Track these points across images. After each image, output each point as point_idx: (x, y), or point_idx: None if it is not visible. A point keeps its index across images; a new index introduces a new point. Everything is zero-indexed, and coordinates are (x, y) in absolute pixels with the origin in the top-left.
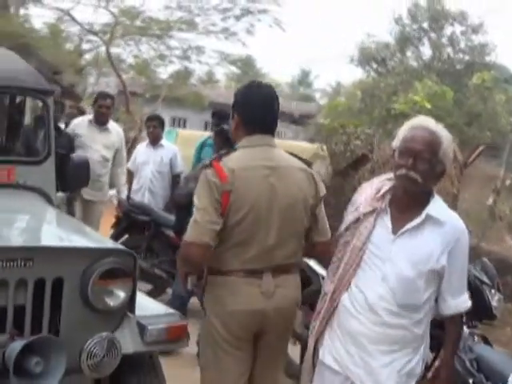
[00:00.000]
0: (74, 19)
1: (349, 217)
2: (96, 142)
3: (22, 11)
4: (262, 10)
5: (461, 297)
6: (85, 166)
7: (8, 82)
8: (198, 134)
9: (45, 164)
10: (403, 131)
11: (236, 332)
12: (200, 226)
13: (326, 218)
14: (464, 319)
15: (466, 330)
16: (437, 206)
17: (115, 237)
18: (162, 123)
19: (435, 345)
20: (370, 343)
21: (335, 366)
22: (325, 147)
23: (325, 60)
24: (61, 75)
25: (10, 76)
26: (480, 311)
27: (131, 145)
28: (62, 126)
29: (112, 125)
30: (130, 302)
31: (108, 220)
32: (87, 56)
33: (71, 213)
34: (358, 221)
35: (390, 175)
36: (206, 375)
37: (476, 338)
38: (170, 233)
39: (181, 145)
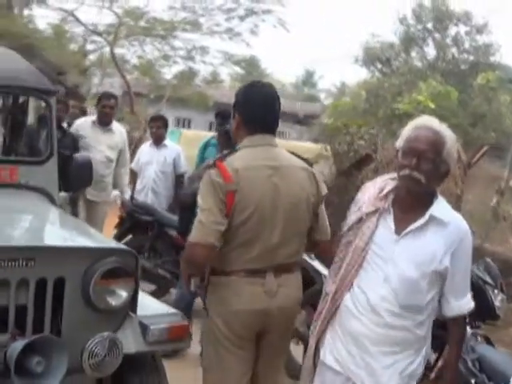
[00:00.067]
0: (77, 20)
1: (351, 217)
2: (100, 143)
3: (25, 12)
4: (266, 11)
5: (464, 298)
6: (88, 165)
7: (10, 82)
8: (201, 134)
9: (47, 164)
10: (407, 131)
11: (239, 331)
12: (205, 227)
13: (326, 216)
14: (467, 320)
15: (468, 330)
16: (440, 207)
17: (119, 237)
18: (165, 123)
19: (438, 345)
20: (372, 344)
21: (336, 366)
22: (328, 147)
23: (329, 60)
24: (65, 76)
25: (12, 76)
26: (483, 311)
27: (136, 145)
28: (65, 125)
29: (115, 125)
30: (132, 301)
31: (112, 220)
32: (91, 57)
33: (75, 213)
34: (360, 221)
35: (394, 175)
36: (209, 375)
37: (479, 339)
38: (174, 233)
39: (184, 145)
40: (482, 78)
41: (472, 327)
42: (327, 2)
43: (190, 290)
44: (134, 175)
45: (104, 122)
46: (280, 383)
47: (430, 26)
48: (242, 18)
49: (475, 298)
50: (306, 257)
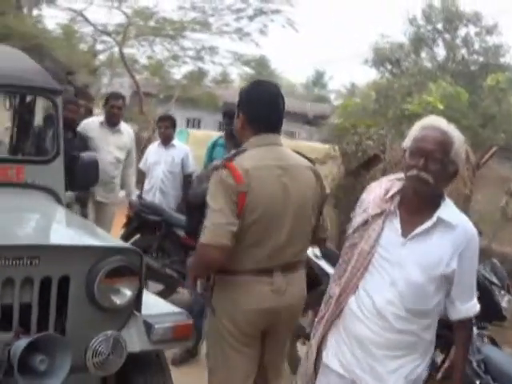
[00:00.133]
0: (86, 20)
1: (357, 219)
2: (109, 144)
3: (35, 12)
4: (274, 11)
5: (470, 301)
6: (94, 165)
7: (16, 81)
8: (210, 134)
9: (54, 163)
10: (414, 131)
11: (246, 330)
12: (217, 228)
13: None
14: (473, 320)
15: (474, 331)
16: (448, 209)
17: (126, 236)
18: (173, 123)
19: (444, 345)
20: (378, 348)
21: (340, 369)
22: (337, 147)
23: (338, 61)
24: (74, 76)
25: (18, 75)
26: (489, 312)
27: (144, 145)
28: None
29: (123, 125)
30: (137, 300)
31: (119, 221)
32: (101, 57)
33: (84, 215)
34: (366, 223)
35: (400, 175)
36: (215, 374)
37: (485, 340)
38: (182, 233)
39: (192, 145)
40: (491, 79)
41: (478, 328)
42: (336, 2)
43: (196, 292)
44: (142, 175)
45: (112, 123)
46: (282, 370)
47: (439, 26)
48: (251, 18)
49: (482, 298)
50: (312, 256)
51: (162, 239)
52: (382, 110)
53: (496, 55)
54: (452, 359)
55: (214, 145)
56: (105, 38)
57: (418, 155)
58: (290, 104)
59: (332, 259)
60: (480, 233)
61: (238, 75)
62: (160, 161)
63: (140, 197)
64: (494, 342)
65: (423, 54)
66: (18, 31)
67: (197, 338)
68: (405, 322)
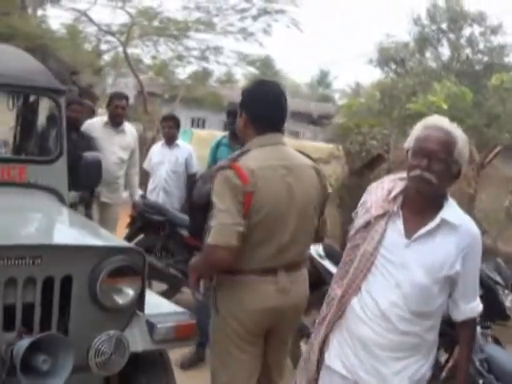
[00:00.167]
0: (91, 20)
1: (359, 220)
2: (113, 144)
3: (39, 12)
4: (279, 11)
5: (474, 302)
6: (97, 164)
7: (20, 81)
8: (214, 134)
9: (57, 163)
10: (416, 131)
11: (251, 329)
12: (224, 229)
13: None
14: (477, 320)
15: (477, 330)
16: (451, 210)
17: (130, 236)
18: (177, 123)
19: (448, 344)
20: (381, 350)
21: (343, 371)
22: (340, 147)
23: (343, 60)
24: (78, 76)
25: (21, 75)
26: (493, 312)
27: (149, 145)
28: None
29: (127, 125)
30: (139, 300)
31: (124, 221)
32: (106, 57)
33: (89, 216)
34: (369, 224)
35: (402, 175)
36: (218, 374)
37: (488, 339)
38: (185, 233)
39: (196, 145)
40: (496, 79)
41: (482, 327)
42: (341, 2)
43: (198, 292)
44: (146, 175)
45: (116, 123)
46: (285, 369)
47: (444, 26)
48: (255, 18)
49: (486, 298)
50: (315, 256)
51: (166, 239)
52: (387, 109)
53: (500, 55)
54: (456, 359)
55: (218, 144)
56: (109, 38)
57: (421, 155)
58: (294, 104)
59: (336, 259)
60: (484, 232)
61: (243, 75)
62: (164, 161)
63: (144, 197)
64: (497, 342)
65: (428, 54)
66: (22, 31)
67: (205, 341)
68: (408, 324)
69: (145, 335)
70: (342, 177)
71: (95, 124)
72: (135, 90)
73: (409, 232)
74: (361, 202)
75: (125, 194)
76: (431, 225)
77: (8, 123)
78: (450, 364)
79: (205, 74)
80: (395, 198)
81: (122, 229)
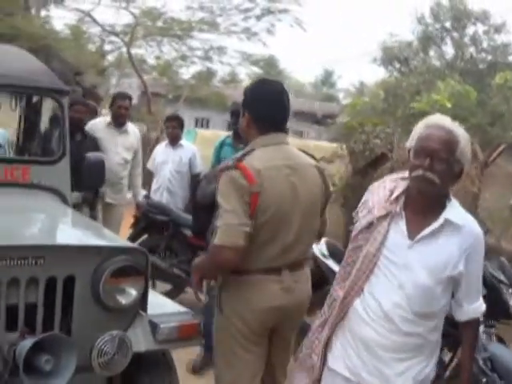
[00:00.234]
0: (94, 20)
1: (361, 221)
2: (117, 145)
3: (43, 13)
4: (282, 10)
5: (477, 302)
6: (100, 165)
7: (22, 82)
8: (218, 133)
9: (59, 164)
10: (418, 130)
11: (256, 328)
12: (230, 229)
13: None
14: (481, 319)
15: (481, 328)
16: (454, 210)
17: (134, 237)
18: (180, 123)
19: (452, 343)
20: (384, 351)
21: (347, 373)
22: (344, 146)
23: (347, 60)
24: (82, 76)
25: (24, 76)
26: (497, 310)
27: (153, 146)
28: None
29: (130, 126)
30: (142, 300)
31: (128, 222)
32: (110, 57)
33: (93, 217)
34: (371, 225)
35: (403, 174)
36: (223, 374)
37: (492, 338)
38: (189, 233)
39: (200, 144)
40: (499, 78)
41: (486, 326)
42: (344, 2)
43: (201, 292)
44: (150, 175)
45: (119, 123)
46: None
47: (448, 24)
48: (258, 18)
49: (489, 296)
50: (319, 255)
51: (170, 239)
52: (391, 108)
53: (504, 53)
54: (459, 359)
55: (222, 144)
56: (113, 38)
57: (423, 155)
58: (298, 103)
59: (339, 258)
60: (488, 230)
61: (247, 75)
62: (168, 160)
63: (147, 197)
64: (501, 341)
65: (431, 53)
66: (25, 32)
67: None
68: (412, 325)
69: (148, 335)
70: (345, 176)
71: (98, 125)
72: (139, 91)
73: (411, 233)
74: (362, 201)
75: (129, 195)
76: (435, 225)
77: (11, 124)
78: (453, 363)
79: (208, 74)
80: (397, 198)
81: (126, 229)
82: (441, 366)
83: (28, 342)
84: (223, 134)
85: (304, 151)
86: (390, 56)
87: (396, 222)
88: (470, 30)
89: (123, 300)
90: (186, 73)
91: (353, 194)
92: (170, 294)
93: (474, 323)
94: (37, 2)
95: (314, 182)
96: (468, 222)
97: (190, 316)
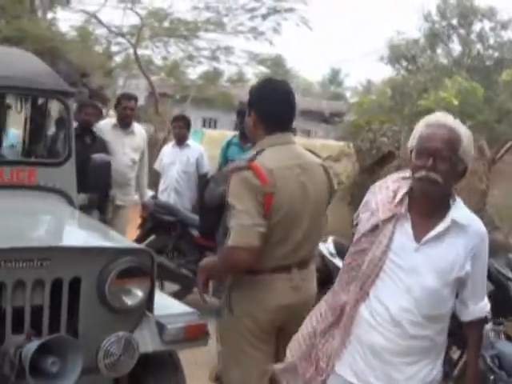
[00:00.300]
0: (100, 22)
1: (364, 224)
2: (124, 146)
3: (49, 15)
4: (288, 9)
5: (482, 301)
6: (106, 166)
7: (28, 84)
8: (225, 134)
9: (65, 166)
10: (419, 129)
11: (265, 327)
12: (244, 229)
13: None
14: (489, 316)
15: (489, 326)
16: (459, 210)
17: (141, 237)
18: (187, 123)
19: (460, 341)
20: (393, 356)
21: (354, 379)
22: (351, 144)
23: (354, 58)
24: (89, 78)
25: (29, 78)
26: (505, 308)
27: (160, 146)
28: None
29: (136, 126)
30: (149, 300)
31: (136, 223)
32: (116, 58)
33: (104, 221)
34: (376, 228)
35: (405, 174)
36: (231, 374)
37: (501, 335)
38: (197, 233)
39: (207, 145)
40: (506, 75)
41: (494, 324)
42: (350, 0)
43: (206, 293)
44: (157, 176)
45: (125, 124)
46: None
47: (454, 22)
48: (264, 17)
49: (497, 294)
50: (326, 253)
51: (177, 239)
52: (398, 106)
53: (511, 50)
54: (466, 358)
55: (229, 144)
56: (119, 39)
57: (426, 155)
58: (306, 102)
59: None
60: (496, 228)
61: (254, 75)
62: (175, 161)
63: (155, 197)
64: (509, 338)
65: (438, 50)
66: (32, 34)
67: None
68: (420, 328)
69: (154, 336)
70: (352, 174)
71: (104, 126)
72: (146, 92)
73: (417, 235)
74: (363, 201)
75: (136, 196)
76: (442, 226)
77: (17, 126)
78: (462, 361)
79: (215, 74)
80: (402, 199)
81: (134, 230)
82: (450, 364)
83: (34, 344)
84: (230, 134)
85: (309, 150)
86: (396, 54)
87: (401, 224)
88: (477, 26)
89: (129, 301)
90: (193, 73)
91: (360, 192)
92: (178, 295)
93: (479, 323)
94: (43, 4)
95: (321, 180)
96: (473, 221)
97: (196, 316)
